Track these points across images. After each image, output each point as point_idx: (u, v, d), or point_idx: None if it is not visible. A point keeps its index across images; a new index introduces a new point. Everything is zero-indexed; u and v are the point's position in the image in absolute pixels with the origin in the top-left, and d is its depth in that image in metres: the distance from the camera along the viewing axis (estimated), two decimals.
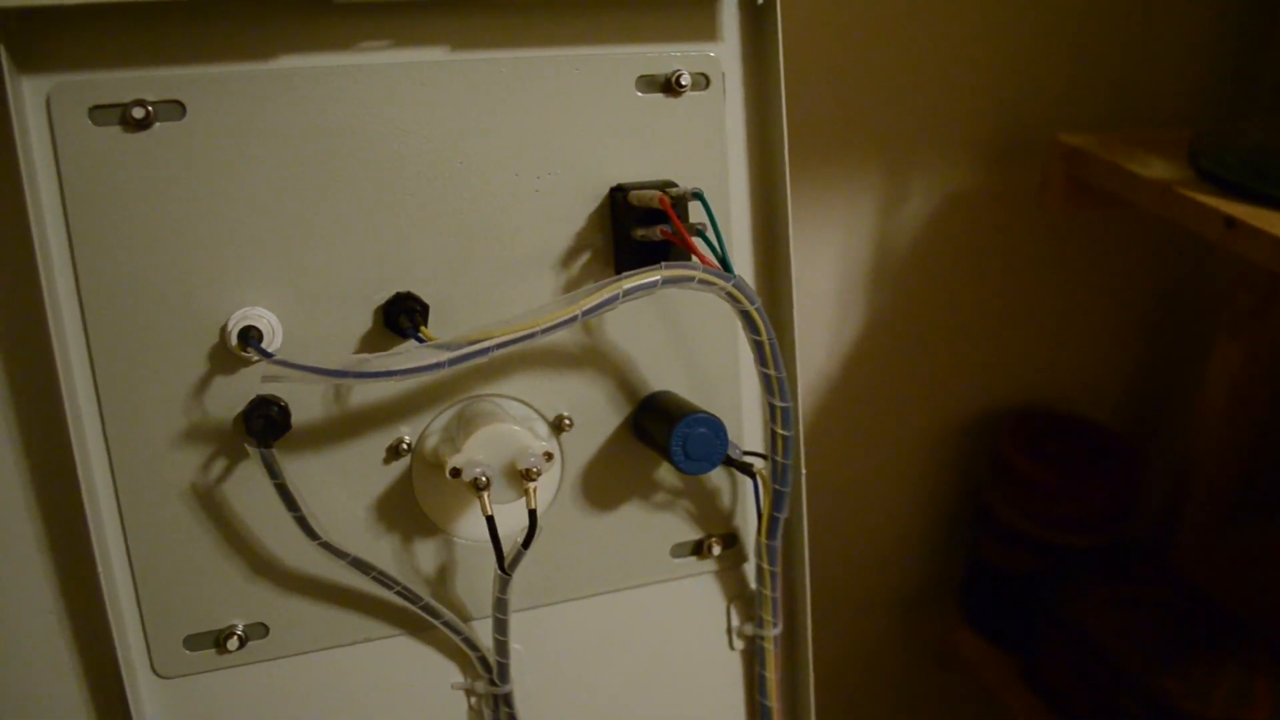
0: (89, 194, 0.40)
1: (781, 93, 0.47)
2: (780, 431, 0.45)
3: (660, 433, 0.45)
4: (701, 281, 0.41)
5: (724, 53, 0.47)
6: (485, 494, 0.41)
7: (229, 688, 0.46)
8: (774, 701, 0.52)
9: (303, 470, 0.44)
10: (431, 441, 0.45)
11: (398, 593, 0.45)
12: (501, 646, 0.46)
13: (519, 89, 0.44)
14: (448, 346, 0.38)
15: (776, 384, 0.44)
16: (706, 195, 0.42)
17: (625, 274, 0.39)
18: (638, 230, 0.44)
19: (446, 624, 0.46)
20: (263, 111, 0.41)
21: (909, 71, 0.78)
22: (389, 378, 0.38)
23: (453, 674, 0.49)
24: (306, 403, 0.44)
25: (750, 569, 0.52)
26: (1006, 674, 0.92)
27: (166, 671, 0.45)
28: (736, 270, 0.42)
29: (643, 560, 0.50)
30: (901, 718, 1.03)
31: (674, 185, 0.45)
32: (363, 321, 0.44)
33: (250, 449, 0.42)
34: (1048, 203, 0.77)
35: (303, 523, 0.42)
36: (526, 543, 0.43)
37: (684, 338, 0.48)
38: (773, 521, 0.47)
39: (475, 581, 0.48)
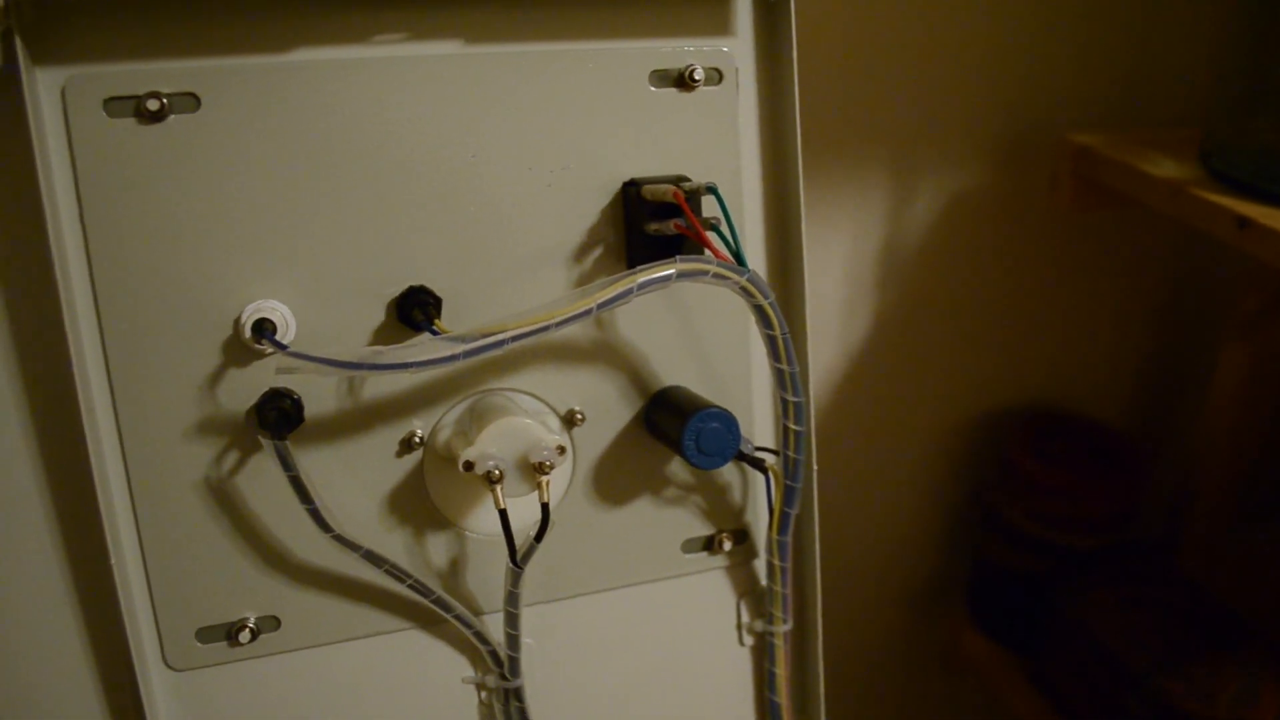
0: (103, 186, 0.40)
1: (795, 88, 0.47)
2: (793, 427, 0.45)
3: (673, 427, 0.45)
4: (716, 275, 0.41)
5: (737, 48, 0.47)
6: (498, 487, 0.41)
7: (241, 680, 0.46)
8: (784, 698, 0.52)
9: (315, 463, 0.44)
10: (444, 435, 0.45)
11: (410, 586, 0.45)
12: (513, 640, 0.46)
13: (533, 83, 0.44)
14: (462, 339, 0.38)
15: (789, 379, 0.44)
16: (719, 190, 0.42)
17: (640, 268, 0.39)
18: (651, 225, 0.44)
19: (458, 618, 0.46)
20: (277, 104, 0.41)
21: (917, 70, 0.78)
22: (404, 369, 0.38)
23: (463, 668, 0.49)
24: (319, 396, 0.44)
25: (761, 565, 0.52)
26: (1011, 674, 0.91)
27: (178, 664, 0.45)
28: (749, 265, 0.42)
29: (654, 555, 0.50)
30: (906, 717, 1.03)
31: (687, 180, 0.45)
32: (375, 315, 0.44)
33: (264, 441, 0.42)
34: (1057, 202, 0.77)
35: (316, 515, 0.42)
36: (539, 536, 0.43)
37: (695, 333, 0.48)
38: (784, 517, 0.47)
39: (486, 576, 0.48)
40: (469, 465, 0.42)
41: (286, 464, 0.40)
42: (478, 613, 0.48)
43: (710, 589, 0.52)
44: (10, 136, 0.39)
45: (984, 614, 0.95)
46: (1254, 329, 0.83)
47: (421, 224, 0.44)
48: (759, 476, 0.50)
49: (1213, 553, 0.92)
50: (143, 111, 0.40)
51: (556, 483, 0.48)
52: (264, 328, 0.41)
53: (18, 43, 0.38)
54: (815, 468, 0.49)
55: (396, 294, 0.44)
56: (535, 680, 0.49)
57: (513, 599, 0.45)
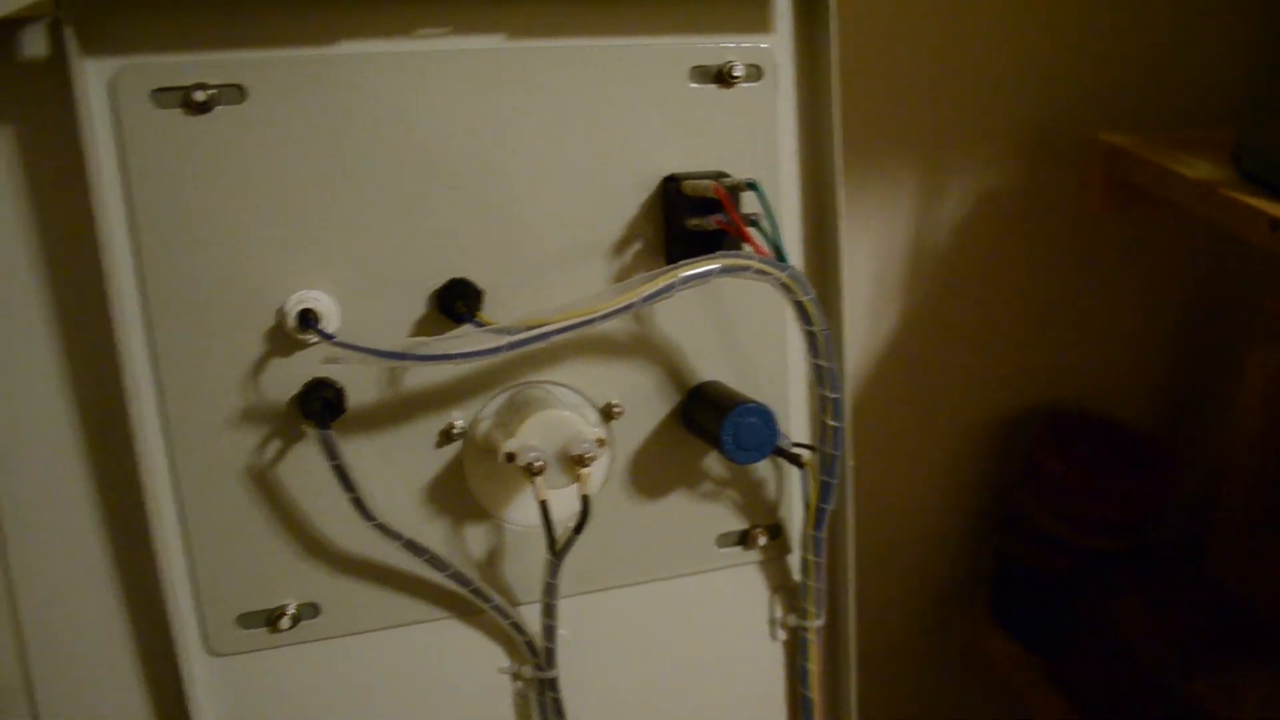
0: (151, 176, 0.41)
1: (836, 86, 0.47)
2: (830, 423, 0.45)
3: (711, 422, 0.45)
4: (758, 271, 0.41)
5: (775, 45, 0.47)
6: (540, 479, 0.42)
7: (280, 666, 0.46)
8: (815, 693, 0.52)
9: (356, 453, 0.44)
10: (483, 426, 0.46)
11: (450, 576, 0.45)
12: (549, 631, 0.47)
13: (574, 78, 0.44)
14: (509, 330, 0.38)
15: (829, 375, 0.44)
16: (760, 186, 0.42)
17: (683, 262, 0.40)
18: (691, 220, 0.45)
19: (495, 608, 0.46)
20: (321, 96, 0.42)
21: (947, 69, 0.78)
22: (450, 360, 0.38)
23: (499, 658, 0.49)
24: (360, 386, 0.44)
25: (794, 560, 0.52)
26: (1032, 675, 0.91)
27: (219, 649, 0.45)
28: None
29: (688, 549, 0.50)
30: (925, 716, 1.03)
31: (726, 176, 0.45)
32: (416, 307, 0.44)
33: (309, 430, 0.42)
34: (1087, 202, 0.77)
35: (359, 504, 0.42)
36: (578, 528, 0.43)
37: (731, 329, 0.49)
38: (820, 512, 0.48)
39: (523, 567, 0.48)
40: (511, 456, 0.42)
41: (332, 453, 0.41)
42: (514, 603, 0.48)
43: (743, 584, 0.52)
44: (58, 127, 0.40)
45: (1006, 614, 0.95)
46: None
47: (462, 217, 0.44)
48: (793, 472, 0.51)
49: (1238, 556, 0.91)
50: (189, 102, 0.41)
51: (594, 476, 0.48)
52: (308, 318, 0.42)
53: (71, 34, 0.39)
54: (851, 463, 0.49)
55: (437, 286, 0.44)
56: (569, 671, 0.50)
57: (550, 590, 0.45)
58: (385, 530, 0.43)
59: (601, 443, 0.43)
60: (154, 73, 0.40)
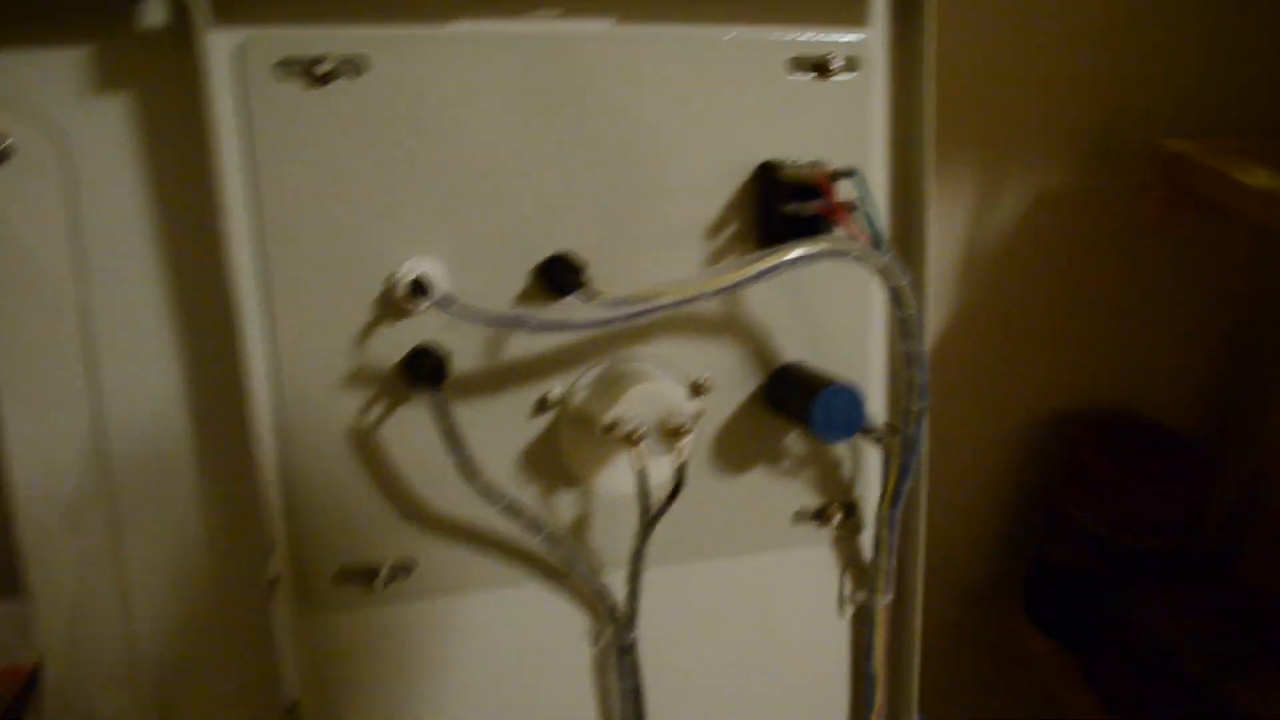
0: (272, 147, 0.42)
1: (931, 80, 0.48)
2: (915, 405, 0.47)
3: (798, 401, 0.47)
4: (858, 257, 0.42)
5: (871, 38, 0.49)
6: (640, 447, 0.43)
7: (371, 623, 0.48)
8: (880, 669, 0.53)
9: (455, 419, 0.46)
10: (579, 397, 0.47)
11: (544, 539, 0.46)
12: (633, 597, 0.48)
13: (678, 63, 0.46)
14: (623, 302, 0.40)
15: (918, 358, 0.46)
16: (861, 175, 0.44)
17: (790, 243, 0.41)
18: (788, 205, 0.46)
19: (582, 573, 0.48)
20: (437, 73, 0.43)
21: (1009, 70, 0.79)
22: (567, 330, 0.40)
23: (581, 621, 0.51)
24: (461, 354, 0.46)
25: (866, 538, 0.54)
26: (1066, 672, 0.92)
27: (314, 605, 0.47)
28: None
29: (766, 525, 0.52)
30: (959, 711, 1.04)
31: (821, 164, 0.47)
32: (518, 279, 0.46)
33: (420, 393, 0.44)
34: (1146, 207, 0.78)
35: (465, 465, 0.43)
36: (672, 495, 0.45)
37: (813, 313, 0.50)
38: (897, 493, 0.49)
39: (610, 534, 0.50)
40: (611, 426, 0.43)
41: (443, 413, 0.42)
42: (598, 569, 0.50)
43: (816, 560, 0.53)
44: (176, 96, 0.41)
45: (1041, 611, 0.96)
46: None
47: (567, 194, 0.46)
48: (868, 451, 0.52)
49: (1276, 562, 0.92)
50: (310, 75, 0.42)
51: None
52: (419, 285, 0.43)
53: (196, 3, 0.40)
54: (926, 447, 0.51)
55: (540, 260, 0.46)
56: (645, 637, 0.51)
57: (638, 557, 0.47)
58: (489, 491, 0.44)
59: (699, 415, 0.44)
60: (281, 44, 0.41)
